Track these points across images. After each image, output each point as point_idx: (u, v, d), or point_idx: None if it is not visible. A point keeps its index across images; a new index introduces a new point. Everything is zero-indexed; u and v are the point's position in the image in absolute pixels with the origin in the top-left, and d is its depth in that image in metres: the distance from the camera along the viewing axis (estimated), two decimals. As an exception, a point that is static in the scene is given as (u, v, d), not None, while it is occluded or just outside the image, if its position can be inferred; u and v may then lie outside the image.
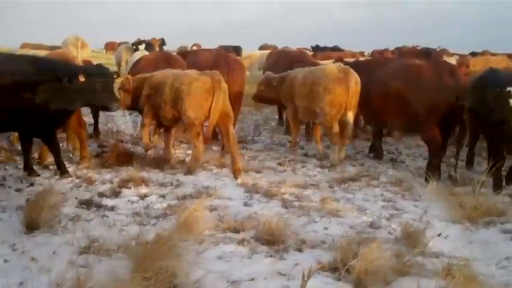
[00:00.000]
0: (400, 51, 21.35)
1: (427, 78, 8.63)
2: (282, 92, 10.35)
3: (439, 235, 6.18)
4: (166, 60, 10.96)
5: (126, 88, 9.07)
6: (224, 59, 10.50)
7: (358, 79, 9.36)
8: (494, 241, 6.15)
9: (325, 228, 6.37)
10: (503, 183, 8.19)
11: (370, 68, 10.02)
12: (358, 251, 5.11)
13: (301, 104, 9.86)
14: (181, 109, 8.55)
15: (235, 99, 10.49)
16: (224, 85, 8.59)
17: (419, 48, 24.75)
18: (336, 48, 28.94)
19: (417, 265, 5.32)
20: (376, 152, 10.26)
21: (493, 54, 18.00)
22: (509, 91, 7.49)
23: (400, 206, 7.32)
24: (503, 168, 8.13)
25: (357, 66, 10.21)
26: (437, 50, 22.41)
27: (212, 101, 8.43)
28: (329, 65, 10.05)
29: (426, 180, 8.18)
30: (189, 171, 8.65)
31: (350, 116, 9.41)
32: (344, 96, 9.25)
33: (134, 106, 9.37)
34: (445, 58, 10.64)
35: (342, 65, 10.01)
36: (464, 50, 24.67)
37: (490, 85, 7.98)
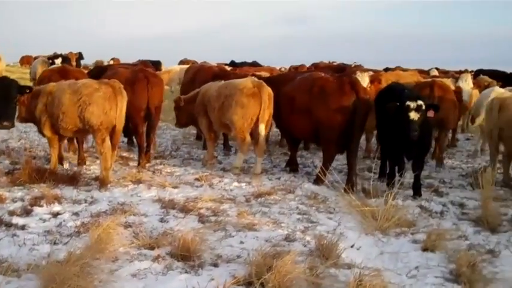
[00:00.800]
0: (316, 67, 21.74)
1: (329, 91, 8.99)
2: (196, 107, 10.48)
3: (352, 246, 6.35)
4: (62, 73, 10.75)
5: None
6: (142, 74, 10.38)
7: (271, 93, 9.67)
8: (404, 251, 6.33)
9: (241, 242, 6.39)
10: (413, 195, 8.62)
11: (281, 82, 10.31)
12: (273, 265, 5.16)
13: (214, 117, 10.04)
14: (83, 118, 8.53)
15: (158, 113, 10.60)
16: (125, 93, 8.75)
17: (335, 64, 25.35)
18: (254, 64, 29.20)
19: (330, 277, 5.43)
20: (292, 166, 10.41)
21: (404, 70, 18.65)
22: (409, 105, 8.15)
23: (314, 219, 7.44)
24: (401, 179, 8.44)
25: (269, 81, 10.55)
26: (353, 65, 22.94)
27: (116, 109, 8.58)
28: (243, 80, 10.22)
29: (345, 191, 8.34)
30: (102, 183, 8.60)
31: (262, 129, 9.69)
32: (256, 109, 9.52)
33: (30, 118, 9.20)
34: (359, 73, 10.87)
35: (255, 79, 10.26)
36: (380, 66, 25.47)
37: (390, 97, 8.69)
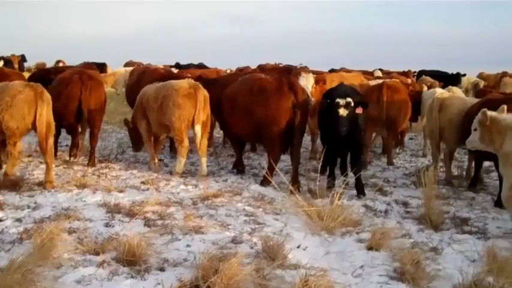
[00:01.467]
0: (263, 69, 21.79)
1: (268, 91, 9.15)
2: (135, 110, 10.66)
3: (298, 247, 6.39)
4: None
5: None
6: (77, 76, 10.26)
7: (207, 95, 9.84)
8: (350, 250, 6.39)
9: (188, 245, 6.35)
10: (357, 194, 8.81)
11: (224, 84, 10.41)
12: (219, 267, 5.15)
13: (153, 118, 10.10)
14: (3, 120, 8.47)
15: (95, 115, 10.48)
16: (47, 96, 8.74)
17: (281, 65, 25.44)
18: (201, 66, 29.10)
19: (277, 278, 5.44)
20: (238, 167, 10.44)
21: (348, 71, 18.95)
22: (338, 102, 8.56)
23: (261, 220, 7.46)
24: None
25: (213, 83, 10.81)
26: (298, 67, 23.10)
27: (35, 113, 8.57)
28: (180, 81, 10.31)
29: (291, 192, 8.40)
30: (4, 175, 8.82)
31: (198, 130, 9.77)
32: (192, 110, 9.65)
33: None
34: (303, 74, 10.96)
35: (192, 81, 10.38)
36: (325, 68, 25.76)
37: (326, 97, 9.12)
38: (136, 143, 11.12)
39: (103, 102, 10.76)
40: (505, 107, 7.60)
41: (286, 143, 9.28)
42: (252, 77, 10.18)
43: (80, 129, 10.68)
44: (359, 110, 8.76)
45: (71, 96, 10.15)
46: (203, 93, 9.79)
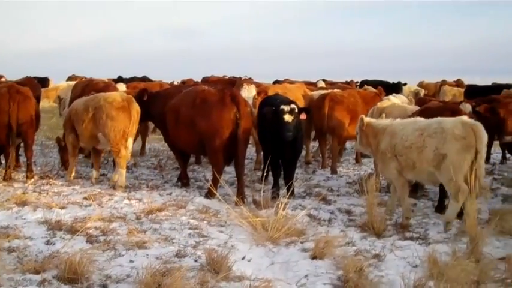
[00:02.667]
0: (207, 81, 21.79)
1: (211, 103, 9.19)
2: (64, 123, 10.60)
3: (243, 258, 6.39)
4: None
5: None
6: (5, 90, 10.10)
7: (139, 109, 9.94)
8: (294, 260, 6.42)
9: (131, 261, 6.26)
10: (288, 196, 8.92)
11: (168, 96, 10.38)
12: (162, 282, 5.10)
13: (82, 130, 10.06)
14: None
15: (27, 129, 10.38)
16: None
17: (226, 77, 25.49)
18: (145, 79, 28.82)
19: (221, 290, 5.43)
20: (183, 180, 10.39)
21: (292, 82, 19.09)
22: (283, 108, 8.90)
23: (206, 233, 7.41)
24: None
25: (156, 95, 10.81)
26: (243, 79, 23.15)
27: None
28: (112, 94, 10.36)
29: (236, 203, 8.44)
30: None
31: (130, 142, 9.93)
32: (127, 123, 9.72)
33: None
34: (245, 85, 11.03)
35: (124, 94, 10.47)
36: (270, 79, 25.89)
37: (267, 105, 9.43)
38: (66, 161, 11.07)
39: (33, 115, 10.54)
40: (384, 115, 9.17)
41: (229, 155, 9.29)
42: (195, 89, 10.15)
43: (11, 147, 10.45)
44: (303, 116, 9.10)
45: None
46: (136, 107, 9.89)
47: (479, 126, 7.44)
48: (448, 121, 7.67)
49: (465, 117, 7.78)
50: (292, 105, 9.01)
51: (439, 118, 7.90)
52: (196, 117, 9.22)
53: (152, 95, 10.75)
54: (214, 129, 9.06)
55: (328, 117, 11.68)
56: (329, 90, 13.83)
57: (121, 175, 9.88)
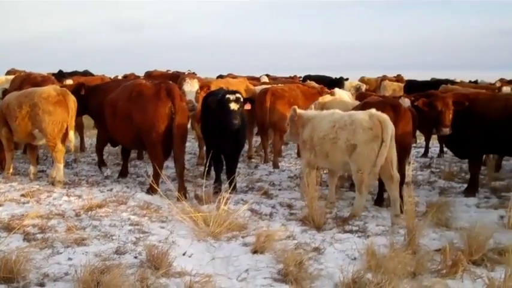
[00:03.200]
0: (150, 75, 21.52)
1: (146, 97, 9.20)
2: None
3: (183, 254, 6.37)
4: None
5: None
6: None
7: (76, 100, 9.90)
8: (235, 255, 6.43)
9: (69, 258, 6.16)
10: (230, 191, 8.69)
11: (106, 91, 10.31)
12: (101, 280, 5.04)
13: (16, 126, 9.86)
14: None
15: None
16: None
17: (170, 72, 25.20)
18: (86, 73, 28.26)
19: (161, 286, 5.40)
20: (124, 175, 10.30)
21: (235, 77, 19.09)
22: (228, 97, 9.03)
23: (147, 229, 7.35)
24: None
25: (94, 90, 10.78)
26: (186, 73, 22.98)
27: None
28: (45, 88, 10.12)
29: (177, 199, 8.39)
30: None
31: (71, 135, 9.82)
32: (65, 116, 9.64)
33: None
34: (187, 80, 10.94)
35: (58, 87, 10.32)
36: (214, 74, 25.80)
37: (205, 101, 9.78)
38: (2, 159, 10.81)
39: None
40: (313, 106, 10.09)
41: (168, 149, 9.30)
42: (132, 83, 10.15)
43: None
44: (247, 106, 9.22)
45: None
46: (72, 99, 9.83)
47: (385, 118, 7.90)
48: (358, 114, 8.16)
49: (373, 110, 8.11)
50: (238, 95, 9.13)
51: (351, 111, 8.50)
52: (132, 111, 9.21)
53: (90, 89, 10.66)
54: (150, 123, 9.05)
55: (270, 111, 11.76)
56: (271, 85, 13.92)
57: (59, 170, 9.75)
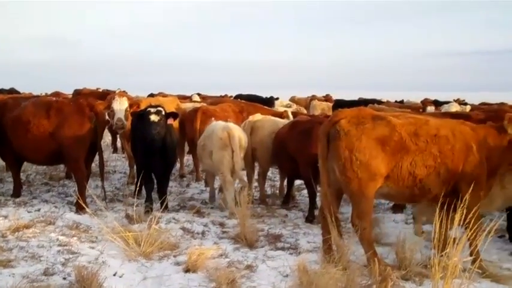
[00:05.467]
0: (79, 93, 21.17)
1: (68, 114, 9.44)
2: None
3: (114, 274, 6.29)
4: None
5: None
6: None
7: None
8: (167, 274, 6.40)
9: (-5, 281, 5.97)
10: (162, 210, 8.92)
11: (13, 106, 10.03)
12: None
13: None
14: None
15: None
16: None
17: (100, 90, 24.86)
18: (12, 91, 27.52)
19: (91, 308, 5.30)
20: (15, 192, 10.32)
21: (165, 96, 19.08)
22: (149, 110, 9.14)
23: (76, 249, 7.20)
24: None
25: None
26: (117, 92, 22.73)
27: None
28: None
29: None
30: None
31: None
32: None
33: None
34: (117, 98, 10.85)
35: None
36: (145, 92, 25.65)
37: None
38: None
39: None
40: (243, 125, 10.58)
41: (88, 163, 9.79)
42: (45, 99, 10.76)
43: None
44: (170, 121, 9.28)
45: None
46: None
47: (234, 130, 9.43)
48: (216, 126, 9.71)
49: (227, 123, 9.76)
50: (159, 108, 9.20)
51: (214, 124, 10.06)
52: (53, 128, 9.37)
53: None
54: (74, 138, 9.30)
55: (201, 130, 11.72)
56: (202, 104, 13.96)
57: None
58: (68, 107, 9.54)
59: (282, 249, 7.54)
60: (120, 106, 10.74)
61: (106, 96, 14.37)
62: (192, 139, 11.86)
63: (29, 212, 9.17)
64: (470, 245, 6.50)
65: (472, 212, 6.23)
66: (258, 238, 7.86)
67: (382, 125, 6.59)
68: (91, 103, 9.89)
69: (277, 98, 27.32)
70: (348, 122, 6.56)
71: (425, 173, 6.65)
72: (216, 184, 10.66)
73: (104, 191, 9.69)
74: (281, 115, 13.20)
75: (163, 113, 9.11)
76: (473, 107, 18.68)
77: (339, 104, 23.32)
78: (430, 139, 6.67)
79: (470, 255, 6.42)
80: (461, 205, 5.95)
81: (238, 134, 9.53)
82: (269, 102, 25.32)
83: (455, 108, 18.06)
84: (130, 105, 10.87)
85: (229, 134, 9.30)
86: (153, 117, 8.97)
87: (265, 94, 29.19)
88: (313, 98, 28.94)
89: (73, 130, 9.31)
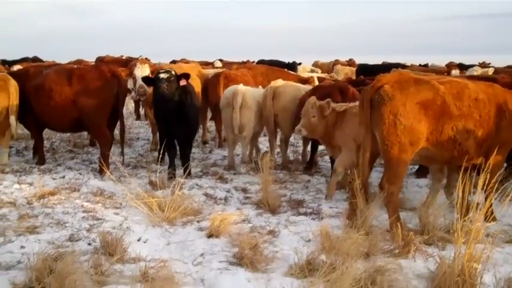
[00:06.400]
0: (102, 61, 21.22)
1: (90, 81, 9.52)
2: None
3: (138, 240, 6.35)
4: None
5: None
6: None
7: (17, 86, 9.76)
8: (191, 239, 6.46)
9: (22, 247, 6.07)
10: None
11: (30, 76, 10.11)
12: (54, 267, 4.99)
13: None
14: None
15: None
16: None
17: (123, 57, 24.90)
18: (36, 59, 27.67)
19: (115, 273, 5.37)
20: (40, 159, 10.42)
21: (187, 62, 19.01)
22: (159, 75, 9.05)
23: (100, 216, 7.28)
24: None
25: (20, 74, 10.53)
26: (139, 59, 22.76)
27: None
28: None
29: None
30: None
31: (13, 120, 9.70)
32: (6, 102, 9.57)
33: None
34: (138, 64, 10.88)
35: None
36: (167, 59, 25.60)
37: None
38: None
39: None
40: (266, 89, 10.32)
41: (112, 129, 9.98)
42: (66, 67, 10.64)
43: None
44: (183, 82, 9.15)
45: None
46: (14, 84, 9.70)
47: (239, 90, 9.87)
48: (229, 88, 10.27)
49: (238, 86, 10.13)
50: (171, 71, 9.16)
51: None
52: (75, 94, 9.46)
53: (15, 74, 10.55)
54: (96, 104, 9.41)
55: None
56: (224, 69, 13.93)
57: (2, 154, 9.95)
58: (89, 74, 9.60)
59: (304, 214, 7.56)
60: (142, 73, 10.76)
61: (129, 63, 14.39)
62: (215, 104, 11.86)
63: (53, 179, 9.28)
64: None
65: (496, 177, 6.20)
66: (280, 204, 7.89)
67: (426, 89, 6.59)
68: (112, 69, 9.93)
69: (299, 63, 27.16)
70: (391, 87, 6.56)
71: (466, 137, 6.72)
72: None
73: (123, 158, 9.79)
74: (307, 81, 13.15)
75: (173, 72, 9.09)
76: (499, 70, 18.39)
77: (363, 69, 23.13)
78: (472, 103, 6.72)
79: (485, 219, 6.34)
80: (485, 169, 5.90)
81: (244, 93, 9.90)
82: (292, 67, 25.19)
83: (478, 71, 17.87)
84: (152, 72, 10.86)
85: (234, 94, 9.80)
86: (162, 75, 8.98)
87: (288, 59, 28.99)
88: (337, 62, 28.76)
89: (95, 96, 9.39)
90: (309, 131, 8.39)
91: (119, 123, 9.89)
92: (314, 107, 8.24)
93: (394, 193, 6.66)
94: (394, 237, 6.28)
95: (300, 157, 11.04)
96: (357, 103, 7.82)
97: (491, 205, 6.50)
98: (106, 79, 9.52)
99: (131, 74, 11.01)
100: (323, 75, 17.86)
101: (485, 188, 5.83)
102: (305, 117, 8.32)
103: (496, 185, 6.10)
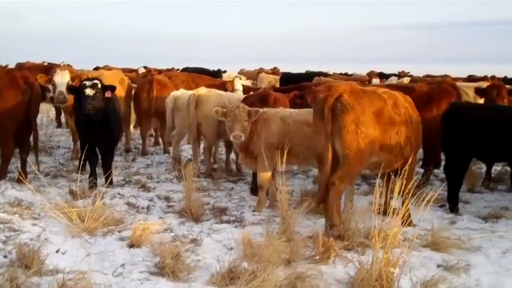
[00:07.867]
0: (22, 67, 20.66)
1: (1, 86, 9.13)
2: None
3: (57, 251, 6.19)
4: None
5: None
6: None
7: None
8: (111, 250, 6.35)
9: None
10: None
11: None
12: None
13: None
14: None
15: None
16: None
17: (44, 63, 24.32)
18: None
19: (32, 286, 5.23)
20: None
21: (110, 69, 18.83)
22: (84, 83, 8.88)
23: (17, 227, 7.02)
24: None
25: None
26: (61, 65, 22.30)
27: None
28: None
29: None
30: None
31: None
32: None
33: None
34: (58, 71, 10.65)
35: None
36: (90, 65, 25.19)
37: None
38: None
39: None
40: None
41: (19, 138, 9.44)
42: None
43: None
44: (108, 94, 8.98)
45: None
46: None
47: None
48: None
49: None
50: (95, 81, 8.95)
51: None
52: None
53: None
54: (6, 111, 9.00)
55: (157, 100, 11.95)
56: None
57: None
58: (0, 80, 9.26)
59: (227, 222, 7.58)
60: (62, 79, 10.53)
61: (50, 69, 14.07)
62: (147, 109, 11.79)
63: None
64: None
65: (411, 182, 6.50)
66: (203, 212, 7.86)
67: (376, 99, 7.05)
68: (26, 75, 9.59)
69: (225, 71, 27.31)
70: (349, 97, 6.83)
71: (405, 142, 7.28)
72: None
73: (38, 166, 9.22)
74: (225, 84, 13.34)
75: (99, 86, 8.88)
76: (418, 79, 19.11)
77: (286, 77, 23.42)
78: (404, 110, 7.29)
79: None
80: (401, 175, 6.16)
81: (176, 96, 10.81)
82: (217, 75, 25.27)
83: (394, 81, 18.77)
84: (73, 79, 10.65)
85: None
86: (88, 91, 8.73)
87: (214, 67, 29.09)
88: (261, 70, 29.00)
89: (5, 103, 8.99)
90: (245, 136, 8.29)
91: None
92: (245, 111, 8.15)
93: (341, 191, 7.01)
94: (315, 243, 6.36)
95: (224, 164, 11.07)
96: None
97: (408, 210, 6.74)
98: (18, 86, 9.16)
99: (51, 81, 10.75)
100: (247, 82, 17.98)
101: (401, 193, 6.04)
102: (239, 122, 8.13)
103: (413, 190, 6.32)
